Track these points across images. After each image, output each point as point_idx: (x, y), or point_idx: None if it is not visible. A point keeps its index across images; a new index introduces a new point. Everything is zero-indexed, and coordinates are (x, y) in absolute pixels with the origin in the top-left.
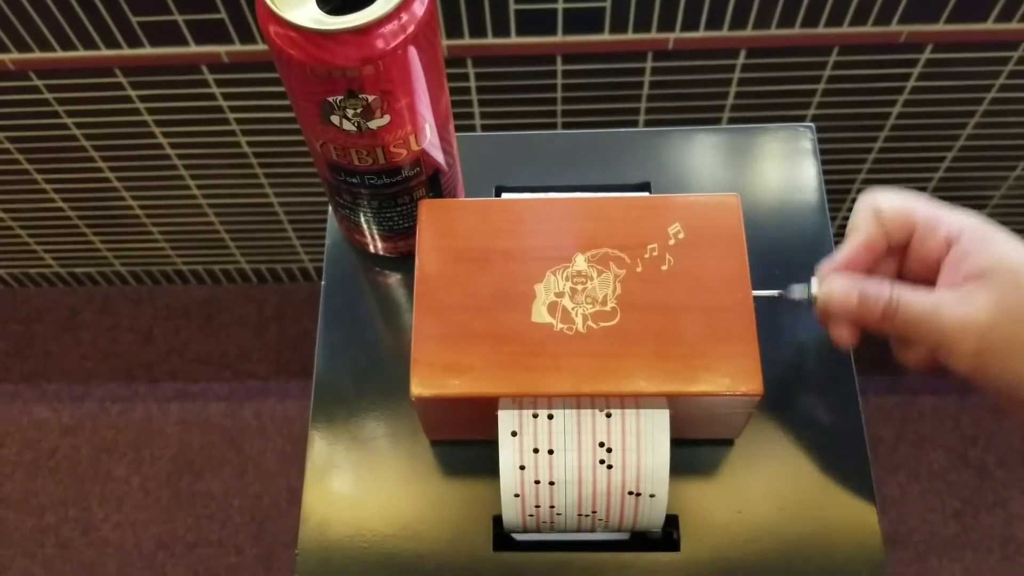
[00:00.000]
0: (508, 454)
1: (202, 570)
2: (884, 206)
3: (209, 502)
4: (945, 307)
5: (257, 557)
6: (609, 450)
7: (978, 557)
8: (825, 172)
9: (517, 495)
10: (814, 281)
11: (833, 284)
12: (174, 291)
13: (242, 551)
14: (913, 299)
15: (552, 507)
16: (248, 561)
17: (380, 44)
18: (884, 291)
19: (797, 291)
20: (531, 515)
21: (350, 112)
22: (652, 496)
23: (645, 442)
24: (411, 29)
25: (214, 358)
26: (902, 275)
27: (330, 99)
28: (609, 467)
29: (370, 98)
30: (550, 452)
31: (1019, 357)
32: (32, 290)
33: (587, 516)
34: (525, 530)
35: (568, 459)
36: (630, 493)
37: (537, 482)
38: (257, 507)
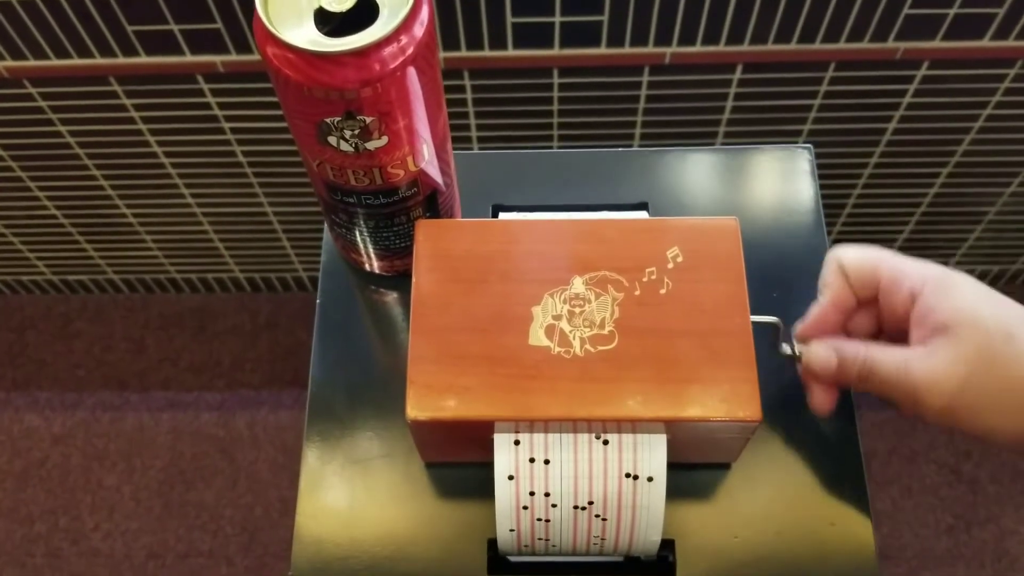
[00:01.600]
0: (503, 473)
1: None
2: (847, 263)
3: (200, 512)
4: (913, 363)
5: (248, 568)
6: (604, 476)
7: (970, 572)
8: (820, 187)
9: (512, 530)
10: (795, 343)
11: (814, 350)
12: (167, 299)
13: (233, 562)
14: (884, 359)
15: (548, 494)
16: (239, 572)
17: (379, 66)
18: (860, 353)
19: (783, 350)
20: (525, 506)
21: (348, 133)
22: (649, 488)
23: (642, 467)
24: (410, 51)
25: (207, 367)
26: (881, 329)
27: (327, 120)
28: (606, 456)
29: (368, 119)
30: (546, 493)
31: (985, 409)
32: (25, 297)
33: (583, 509)
34: (519, 540)
35: (564, 486)
36: (629, 478)
37: (532, 492)
38: (249, 517)
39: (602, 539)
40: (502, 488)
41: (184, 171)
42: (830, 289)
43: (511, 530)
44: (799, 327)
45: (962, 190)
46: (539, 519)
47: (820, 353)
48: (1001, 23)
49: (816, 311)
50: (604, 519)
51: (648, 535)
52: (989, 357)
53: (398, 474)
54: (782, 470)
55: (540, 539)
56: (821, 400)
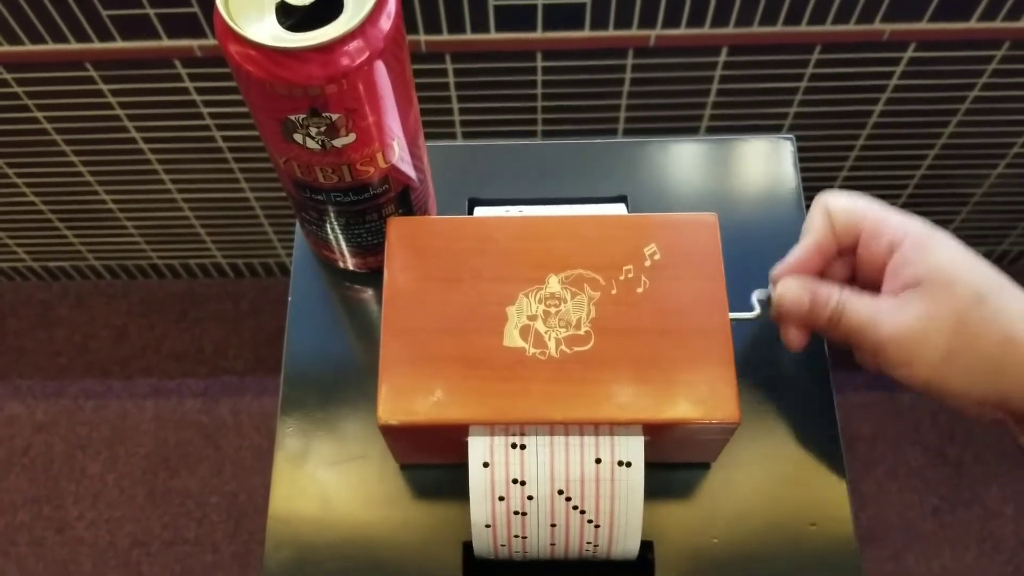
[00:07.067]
0: (478, 484)
1: (178, 568)
2: (833, 208)
3: (185, 499)
4: (881, 315)
5: (234, 555)
6: (582, 480)
7: (955, 554)
8: (806, 170)
9: (488, 525)
10: (771, 285)
11: (787, 286)
12: (149, 286)
13: (219, 549)
14: (856, 305)
15: (524, 538)
16: (225, 559)
17: (345, 61)
18: (833, 295)
19: (755, 295)
20: (503, 544)
21: (313, 131)
22: (628, 476)
23: (619, 470)
24: (377, 45)
25: (190, 354)
26: (855, 277)
27: (292, 117)
28: (583, 452)
29: (334, 116)
30: (522, 483)
31: (948, 366)
32: (5, 284)
33: (561, 498)
34: (495, 540)
35: (541, 489)
36: (596, 526)
37: (511, 513)
38: (234, 504)
39: (580, 539)
40: (479, 534)
41: (163, 156)
42: (814, 232)
43: (487, 526)
44: (776, 268)
45: (948, 172)
46: (516, 551)
47: (792, 290)
48: (988, 4)
49: (797, 253)
50: (583, 511)
51: (627, 532)
52: (957, 316)
53: (372, 476)
54: (762, 470)
55: (516, 536)
56: (793, 337)
